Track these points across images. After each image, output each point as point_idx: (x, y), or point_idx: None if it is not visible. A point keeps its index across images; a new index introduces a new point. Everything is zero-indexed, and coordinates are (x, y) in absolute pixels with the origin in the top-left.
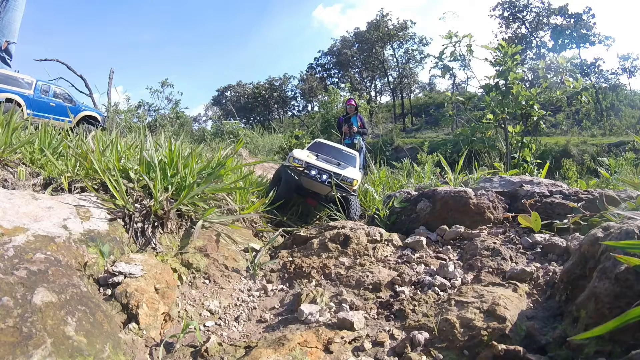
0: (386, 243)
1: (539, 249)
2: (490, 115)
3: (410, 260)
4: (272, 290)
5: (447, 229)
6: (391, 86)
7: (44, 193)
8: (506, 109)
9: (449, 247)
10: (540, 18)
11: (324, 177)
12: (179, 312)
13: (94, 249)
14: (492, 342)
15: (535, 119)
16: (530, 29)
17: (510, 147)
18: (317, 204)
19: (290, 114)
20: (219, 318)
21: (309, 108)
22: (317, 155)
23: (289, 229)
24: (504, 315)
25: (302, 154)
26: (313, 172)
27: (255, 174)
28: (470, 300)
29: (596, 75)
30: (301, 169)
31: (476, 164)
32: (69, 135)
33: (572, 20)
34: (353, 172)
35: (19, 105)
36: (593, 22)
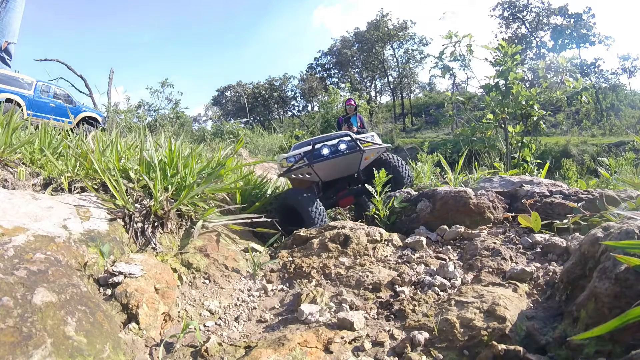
0: (386, 243)
1: (539, 249)
2: (490, 115)
3: (410, 260)
4: (272, 290)
5: (447, 229)
6: (391, 86)
7: (44, 193)
8: (506, 109)
9: (449, 247)
10: (540, 18)
11: (342, 146)
12: (179, 312)
13: (94, 249)
14: (492, 342)
15: (535, 119)
16: (530, 29)
17: (510, 147)
18: (354, 199)
19: (290, 114)
20: (219, 318)
21: (309, 108)
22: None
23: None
24: (504, 315)
25: (293, 151)
26: (326, 151)
27: (255, 174)
28: (470, 300)
29: (596, 75)
30: (306, 162)
31: (476, 164)
32: (69, 136)
33: (572, 20)
34: (364, 134)
35: (19, 105)
36: (593, 22)
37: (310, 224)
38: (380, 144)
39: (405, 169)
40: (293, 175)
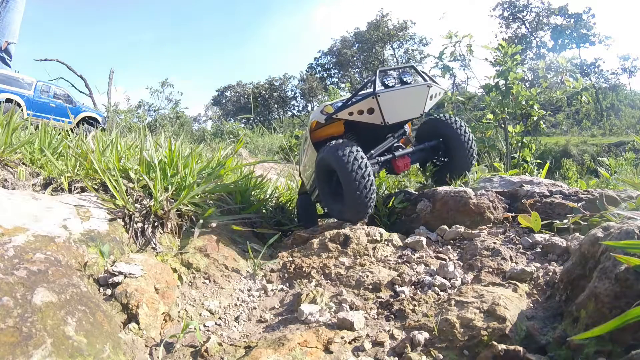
0: (386, 243)
1: (539, 249)
2: (490, 115)
3: (410, 260)
4: (272, 290)
5: (447, 229)
6: None
7: (44, 193)
8: (506, 109)
9: (449, 247)
10: (540, 18)
11: (407, 78)
12: (179, 312)
13: (94, 249)
14: (492, 342)
15: (535, 119)
16: (530, 29)
17: (510, 147)
18: (409, 163)
19: (290, 114)
20: (219, 318)
21: (309, 108)
22: None
23: (288, 226)
24: (504, 315)
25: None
26: (391, 81)
27: (255, 174)
28: (470, 300)
29: (596, 75)
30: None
31: (476, 164)
32: (69, 136)
33: (572, 20)
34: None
35: (19, 105)
36: (593, 22)
37: (353, 193)
38: (440, 86)
39: (472, 139)
40: (349, 115)
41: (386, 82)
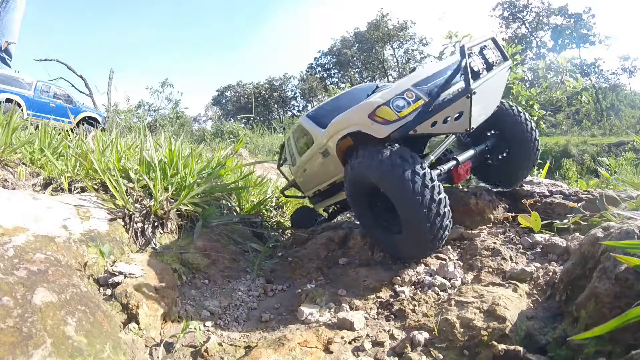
0: None
1: (539, 249)
2: None
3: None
4: (271, 290)
5: None
6: None
7: (44, 193)
8: None
9: (449, 247)
10: (540, 18)
11: (490, 55)
12: (179, 312)
13: (94, 249)
14: (492, 342)
15: (535, 119)
16: (530, 29)
17: None
18: (470, 169)
19: (290, 114)
20: (219, 318)
21: (309, 108)
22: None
23: (288, 226)
24: (504, 315)
25: (389, 92)
26: (478, 63)
27: (255, 174)
28: (470, 300)
29: (596, 75)
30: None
31: None
32: (69, 136)
33: (572, 20)
34: None
35: (19, 105)
36: (593, 22)
37: (421, 224)
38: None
39: (535, 130)
40: (431, 127)
41: (471, 65)
